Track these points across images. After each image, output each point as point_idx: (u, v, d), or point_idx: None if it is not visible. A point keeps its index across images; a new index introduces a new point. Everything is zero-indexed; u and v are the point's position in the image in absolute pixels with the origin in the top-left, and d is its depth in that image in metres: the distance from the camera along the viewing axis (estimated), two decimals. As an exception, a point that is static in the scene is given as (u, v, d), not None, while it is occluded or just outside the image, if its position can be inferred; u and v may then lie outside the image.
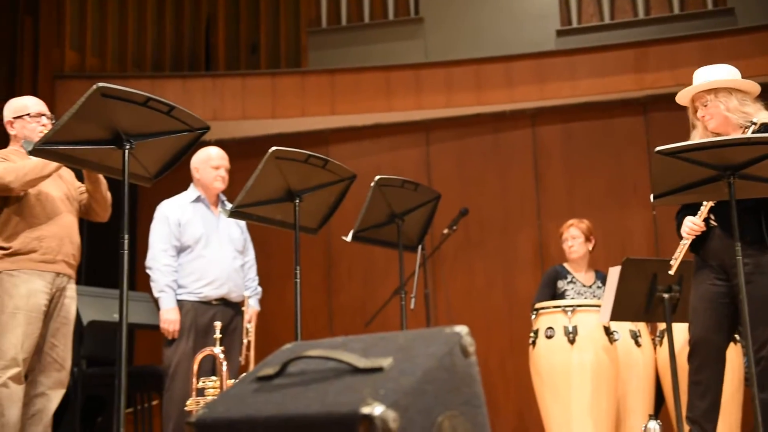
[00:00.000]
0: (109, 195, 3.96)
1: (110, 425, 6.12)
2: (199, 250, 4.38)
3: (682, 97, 3.49)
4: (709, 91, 3.36)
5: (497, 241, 6.67)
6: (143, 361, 6.23)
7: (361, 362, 1.36)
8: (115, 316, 5.22)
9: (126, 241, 2.58)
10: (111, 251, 5.93)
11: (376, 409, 1.20)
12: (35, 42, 6.54)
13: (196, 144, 2.90)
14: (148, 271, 4.39)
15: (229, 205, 4.56)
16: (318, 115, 6.84)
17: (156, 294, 4.34)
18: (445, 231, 5.31)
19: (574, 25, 6.95)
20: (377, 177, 3.80)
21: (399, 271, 4.07)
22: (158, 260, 4.35)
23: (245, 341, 3.44)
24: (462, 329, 1.40)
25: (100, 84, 2.46)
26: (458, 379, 1.36)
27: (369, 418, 1.20)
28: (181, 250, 4.39)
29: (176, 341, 4.26)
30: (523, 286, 6.42)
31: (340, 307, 6.85)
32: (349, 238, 3.87)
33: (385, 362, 1.34)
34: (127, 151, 2.63)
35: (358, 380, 1.33)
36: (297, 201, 3.31)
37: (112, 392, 5.40)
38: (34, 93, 4.51)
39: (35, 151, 2.50)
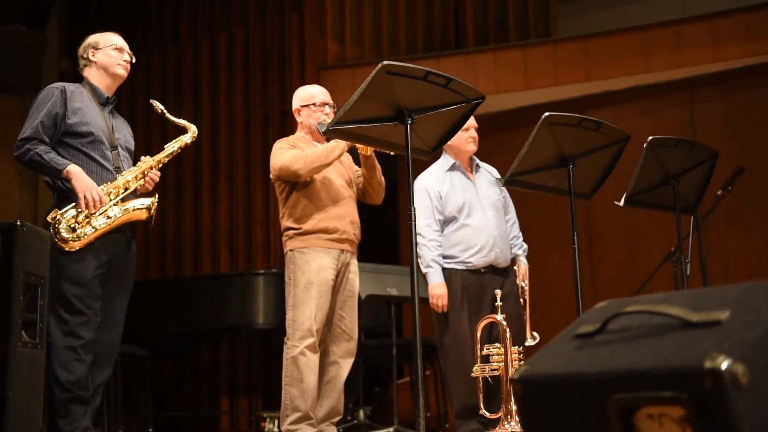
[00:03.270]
0: (383, 180, 4.13)
1: (387, 395, 6.47)
2: (463, 219, 4.38)
3: None
4: None
5: (778, 201, 6.16)
6: (411, 333, 6.45)
7: (694, 316, 1.30)
8: (389, 290, 5.46)
9: (414, 212, 2.68)
10: (379, 229, 6.23)
11: (724, 363, 1.14)
12: (301, 36, 6.98)
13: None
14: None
15: (488, 169, 4.59)
16: (572, 83, 6.68)
17: (423, 270, 4.42)
18: (719, 192, 4.97)
19: None
20: (650, 137, 3.63)
21: (677, 235, 3.87)
22: (423, 235, 4.42)
23: (521, 301, 3.41)
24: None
25: (385, 62, 2.56)
26: (806, 331, 1.26)
27: (716, 372, 1.15)
28: (445, 222, 4.44)
29: (449, 312, 4.34)
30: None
31: (604, 277, 6.66)
32: (622, 203, 3.74)
33: (722, 315, 1.27)
34: (409, 126, 2.73)
35: (693, 334, 1.27)
36: (570, 166, 3.26)
37: (388, 363, 5.69)
38: (301, 84, 4.81)
39: (329, 131, 2.66)
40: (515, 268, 4.21)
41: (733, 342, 1.19)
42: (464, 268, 4.35)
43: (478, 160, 4.53)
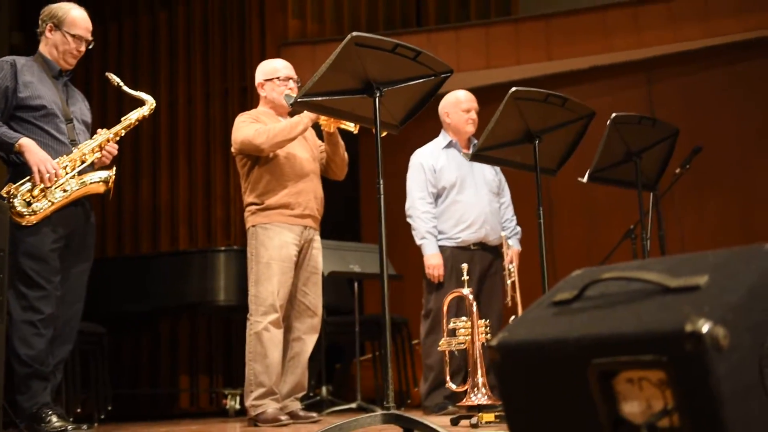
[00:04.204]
0: (346, 156, 4.12)
1: (348, 372, 6.48)
2: (455, 195, 4.43)
3: None
4: None
5: (732, 178, 6.27)
6: (374, 310, 6.47)
7: (673, 282, 1.32)
8: (352, 267, 5.46)
9: (381, 186, 2.67)
10: (340, 207, 6.21)
11: (705, 326, 1.16)
12: (261, 11, 6.89)
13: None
14: (408, 219, 4.51)
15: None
16: (533, 62, 6.71)
17: (418, 241, 4.45)
18: (678, 170, 5.06)
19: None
20: (613, 114, 3.67)
21: (639, 211, 3.92)
22: (417, 208, 4.45)
23: (509, 282, 3.46)
24: (781, 246, 1.32)
25: (354, 33, 2.54)
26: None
27: (697, 335, 1.16)
28: (437, 196, 4.47)
29: (438, 287, 4.38)
30: (762, 224, 6.01)
31: (563, 253, 6.74)
32: (585, 179, 3.78)
33: (701, 280, 1.29)
34: (377, 99, 2.71)
35: (672, 299, 1.29)
36: (537, 142, 3.28)
37: (349, 340, 5.69)
38: (262, 59, 4.75)
39: (297, 103, 2.63)
40: (505, 250, 4.27)
41: (712, 305, 1.20)
42: (454, 244, 4.39)
43: (476, 141, 4.57)
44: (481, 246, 4.41)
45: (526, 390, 1.44)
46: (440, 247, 4.40)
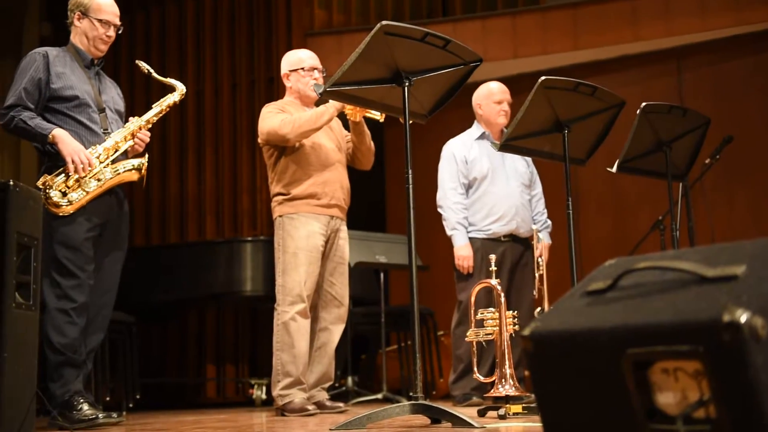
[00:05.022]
0: (372, 145, 4.12)
1: (373, 363, 6.49)
2: (486, 186, 4.42)
3: None
4: None
5: (763, 169, 6.19)
6: (400, 301, 6.47)
7: (709, 271, 1.30)
8: (378, 258, 5.46)
9: (410, 176, 2.66)
10: (366, 197, 6.20)
11: (743, 316, 1.14)
12: (287, 3, 6.90)
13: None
14: (439, 209, 4.50)
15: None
16: (560, 52, 6.65)
17: (448, 232, 4.44)
18: (707, 160, 5.00)
19: None
20: (643, 104, 3.64)
21: (669, 201, 3.88)
22: (449, 198, 4.44)
23: (537, 275, 3.45)
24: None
25: (384, 22, 2.53)
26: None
27: (735, 325, 1.14)
28: (468, 187, 4.46)
29: (469, 278, 4.37)
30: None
31: (589, 243, 6.69)
32: (614, 169, 3.74)
33: (738, 270, 1.27)
34: (406, 88, 2.70)
35: (709, 289, 1.27)
36: (566, 131, 3.25)
37: (375, 331, 5.70)
38: (288, 50, 4.76)
39: (326, 93, 2.63)
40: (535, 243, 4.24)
41: (751, 295, 1.18)
42: (484, 236, 4.38)
43: None
44: (512, 238, 4.40)
45: (559, 380, 1.43)
46: (471, 238, 4.38)
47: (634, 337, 1.29)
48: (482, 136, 4.51)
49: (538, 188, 4.60)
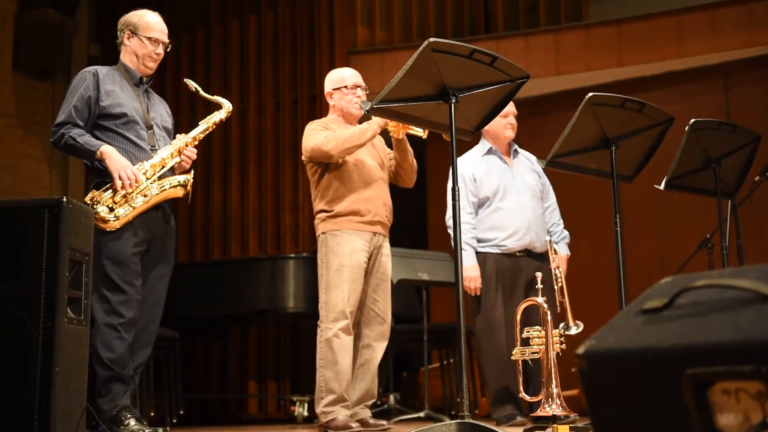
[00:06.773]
0: (414, 163, 4.11)
1: (415, 381, 6.46)
2: (497, 202, 4.36)
3: None
4: None
5: (815, 188, 6.06)
6: (440, 318, 6.44)
7: (772, 290, 1.27)
8: (420, 275, 5.44)
9: (458, 191, 2.65)
10: (409, 215, 6.20)
11: (810, 335, 1.11)
12: (330, 21, 6.96)
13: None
14: (448, 229, 4.48)
15: (525, 153, 4.57)
16: (604, 68, 6.61)
17: None
18: (757, 178, 4.91)
19: None
20: (692, 120, 3.58)
21: (718, 219, 3.81)
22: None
23: (557, 287, 3.39)
24: None
25: (431, 39, 2.53)
26: None
27: (801, 345, 1.11)
28: (479, 205, 4.41)
29: (482, 296, 4.32)
30: None
31: (634, 262, 6.60)
32: (662, 187, 3.69)
33: (802, 289, 1.23)
34: (453, 105, 2.70)
35: (772, 308, 1.24)
36: (613, 148, 3.22)
37: (416, 348, 5.67)
38: (331, 68, 4.79)
39: (373, 110, 2.64)
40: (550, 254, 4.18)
41: (816, 315, 1.15)
42: (499, 251, 4.32)
43: (516, 146, 4.52)
44: (527, 253, 4.32)
45: (614, 400, 1.40)
46: (485, 254, 4.32)
47: (693, 356, 1.26)
48: (489, 152, 4.45)
49: (552, 199, 4.53)
